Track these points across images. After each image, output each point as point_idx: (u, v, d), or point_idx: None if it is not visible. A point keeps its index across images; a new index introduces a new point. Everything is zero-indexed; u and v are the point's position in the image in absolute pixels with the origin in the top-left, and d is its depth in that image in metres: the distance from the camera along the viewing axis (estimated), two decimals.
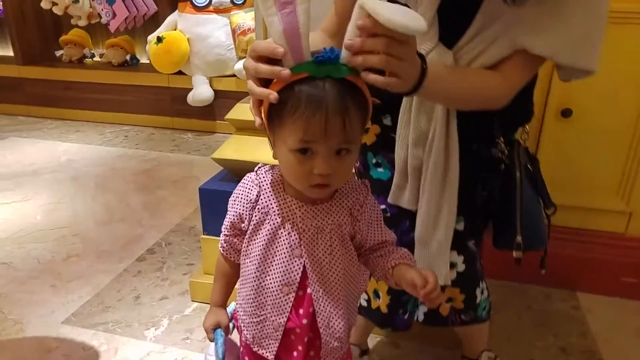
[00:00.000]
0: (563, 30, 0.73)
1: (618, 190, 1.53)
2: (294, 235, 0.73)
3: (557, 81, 1.40)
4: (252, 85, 0.67)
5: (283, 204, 0.74)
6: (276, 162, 0.73)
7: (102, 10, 3.35)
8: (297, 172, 0.68)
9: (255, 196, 0.76)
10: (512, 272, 1.55)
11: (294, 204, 0.74)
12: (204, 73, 3.09)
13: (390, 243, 0.79)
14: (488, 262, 1.64)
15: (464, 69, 0.80)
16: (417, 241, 0.94)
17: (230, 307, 0.86)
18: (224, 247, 0.83)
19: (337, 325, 0.76)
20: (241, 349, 0.85)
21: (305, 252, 0.73)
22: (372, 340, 1.36)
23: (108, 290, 1.62)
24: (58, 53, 3.75)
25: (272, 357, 0.78)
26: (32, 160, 2.75)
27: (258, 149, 1.36)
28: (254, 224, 0.76)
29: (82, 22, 3.59)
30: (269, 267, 0.75)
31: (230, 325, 0.85)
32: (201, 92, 3.05)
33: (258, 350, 0.79)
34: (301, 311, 0.75)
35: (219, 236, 1.50)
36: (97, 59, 3.75)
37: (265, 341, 0.78)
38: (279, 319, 0.76)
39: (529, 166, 0.94)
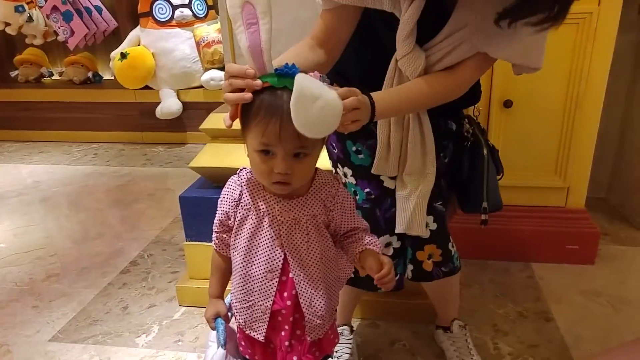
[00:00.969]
0: (518, 40, 0.88)
1: (555, 169, 1.70)
2: (274, 227, 0.83)
3: (498, 76, 1.59)
4: (228, 95, 0.77)
5: (263, 200, 0.83)
6: None
7: (59, 28, 3.32)
8: (260, 170, 0.78)
9: (238, 195, 0.85)
10: (476, 250, 1.72)
11: (273, 200, 0.83)
12: (170, 86, 3.11)
13: (361, 230, 0.89)
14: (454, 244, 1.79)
15: (416, 84, 0.94)
16: (399, 199, 1.06)
17: (228, 299, 0.93)
18: (216, 243, 0.91)
19: (319, 305, 0.85)
20: (237, 334, 0.92)
21: (285, 242, 0.83)
22: (353, 322, 1.45)
23: (94, 304, 1.64)
24: (13, 74, 3.67)
25: (262, 338, 0.86)
26: None
27: (232, 155, 1.43)
28: (238, 220, 0.85)
29: (38, 41, 3.54)
30: (254, 257, 0.84)
31: (230, 314, 0.92)
32: (169, 105, 3.07)
33: (250, 332, 0.87)
34: (285, 294, 0.84)
35: (202, 241, 1.56)
36: (56, 77, 3.70)
37: (255, 324, 0.86)
38: (266, 302, 0.84)
39: (489, 141, 1.12)
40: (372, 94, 0.88)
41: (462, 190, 1.16)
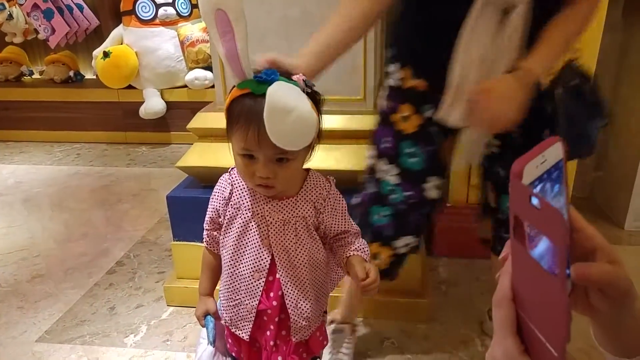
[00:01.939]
0: None
1: None
2: (262, 227, 0.83)
3: None
4: None
5: (252, 200, 0.84)
6: None
7: (40, 26, 3.27)
8: (244, 173, 0.79)
9: (228, 194, 0.86)
10: (461, 250, 1.75)
11: (262, 200, 0.83)
12: (154, 85, 3.09)
13: (351, 234, 0.89)
14: (440, 243, 1.82)
15: (562, 26, 0.89)
16: (449, 86, 0.96)
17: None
18: (206, 241, 0.92)
19: (304, 307, 0.86)
20: (225, 330, 0.94)
21: (273, 242, 0.83)
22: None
23: (80, 305, 1.63)
24: None
25: (247, 337, 0.87)
26: None
27: (220, 154, 1.43)
28: (228, 218, 0.86)
29: (18, 39, 3.48)
30: (242, 256, 0.85)
31: (220, 312, 0.94)
32: (153, 104, 3.05)
33: (235, 331, 0.89)
34: (271, 294, 0.85)
35: (189, 241, 1.57)
36: (36, 76, 3.64)
37: (241, 323, 0.87)
38: (252, 302, 0.85)
39: (577, 82, 1.03)
40: (529, 60, 0.85)
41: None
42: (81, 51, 3.56)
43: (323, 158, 1.37)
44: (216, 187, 0.89)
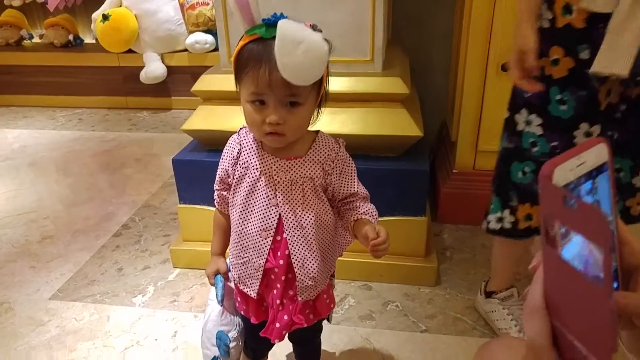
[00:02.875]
0: None
1: None
2: (270, 187, 0.83)
3: (496, 35, 1.55)
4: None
5: (261, 159, 0.84)
6: None
7: None
8: (253, 121, 0.79)
9: (237, 153, 0.86)
10: (467, 216, 1.75)
11: (270, 159, 0.84)
12: (155, 50, 3.05)
13: (360, 197, 0.89)
14: (445, 209, 1.83)
15: None
16: (609, 31, 0.86)
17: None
18: (217, 201, 0.93)
19: (311, 266, 0.86)
20: (234, 290, 0.96)
21: (280, 202, 0.83)
22: (347, 285, 1.51)
23: (90, 265, 1.67)
24: None
25: (255, 294, 0.89)
26: None
27: (225, 117, 1.43)
28: (236, 178, 0.86)
29: (16, 2, 3.42)
30: (250, 214, 0.86)
31: (229, 274, 0.95)
32: (154, 69, 3.01)
33: (243, 288, 0.91)
34: (279, 253, 0.86)
35: (195, 204, 1.58)
36: (36, 40, 3.58)
37: (248, 280, 0.89)
38: (259, 260, 0.86)
39: None
40: None
41: None
42: (80, 14, 3.49)
43: (328, 121, 1.36)
44: (225, 147, 0.89)
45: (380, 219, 1.36)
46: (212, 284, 0.94)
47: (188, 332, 1.35)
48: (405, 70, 1.55)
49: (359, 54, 1.39)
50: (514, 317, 1.27)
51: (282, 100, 0.76)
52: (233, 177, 0.87)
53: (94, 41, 3.32)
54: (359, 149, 1.35)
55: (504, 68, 1.58)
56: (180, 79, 3.08)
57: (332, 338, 1.30)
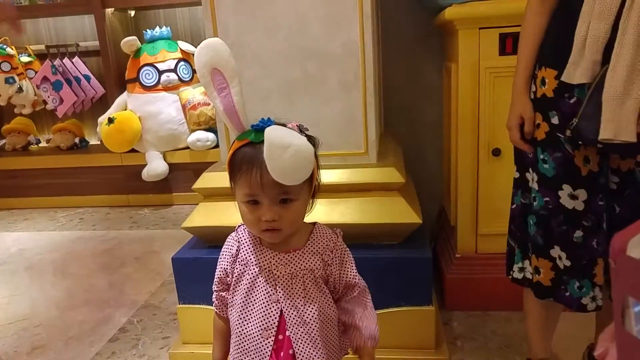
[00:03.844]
0: None
1: None
2: (270, 282, 0.83)
3: (484, 125, 1.61)
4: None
5: (259, 254, 0.85)
6: None
7: (49, 97, 3.40)
8: (249, 220, 0.81)
9: (235, 251, 0.87)
10: (475, 302, 1.70)
11: (269, 254, 0.84)
12: (157, 148, 3.16)
13: (359, 288, 0.89)
14: (451, 296, 1.77)
15: None
16: (609, 100, 0.89)
17: None
18: (216, 304, 0.91)
19: None
20: None
21: (281, 297, 0.82)
22: None
23: None
24: (0, 143, 3.69)
25: None
26: None
27: (226, 214, 1.44)
28: (236, 276, 0.86)
29: (27, 110, 3.60)
30: (250, 314, 0.84)
31: None
32: (155, 167, 3.10)
33: None
34: (282, 354, 0.82)
35: (195, 304, 1.53)
36: (43, 144, 3.73)
37: None
38: None
39: None
40: None
41: None
42: (87, 118, 3.67)
43: (327, 212, 1.38)
44: (224, 246, 0.90)
45: (385, 310, 1.32)
46: None
47: None
48: (399, 160, 1.60)
49: (353, 147, 1.45)
50: None
51: (275, 198, 0.78)
52: (232, 275, 0.86)
53: (98, 142, 3.46)
54: (360, 238, 1.35)
55: (494, 153, 1.64)
56: (182, 176, 3.16)
57: None
